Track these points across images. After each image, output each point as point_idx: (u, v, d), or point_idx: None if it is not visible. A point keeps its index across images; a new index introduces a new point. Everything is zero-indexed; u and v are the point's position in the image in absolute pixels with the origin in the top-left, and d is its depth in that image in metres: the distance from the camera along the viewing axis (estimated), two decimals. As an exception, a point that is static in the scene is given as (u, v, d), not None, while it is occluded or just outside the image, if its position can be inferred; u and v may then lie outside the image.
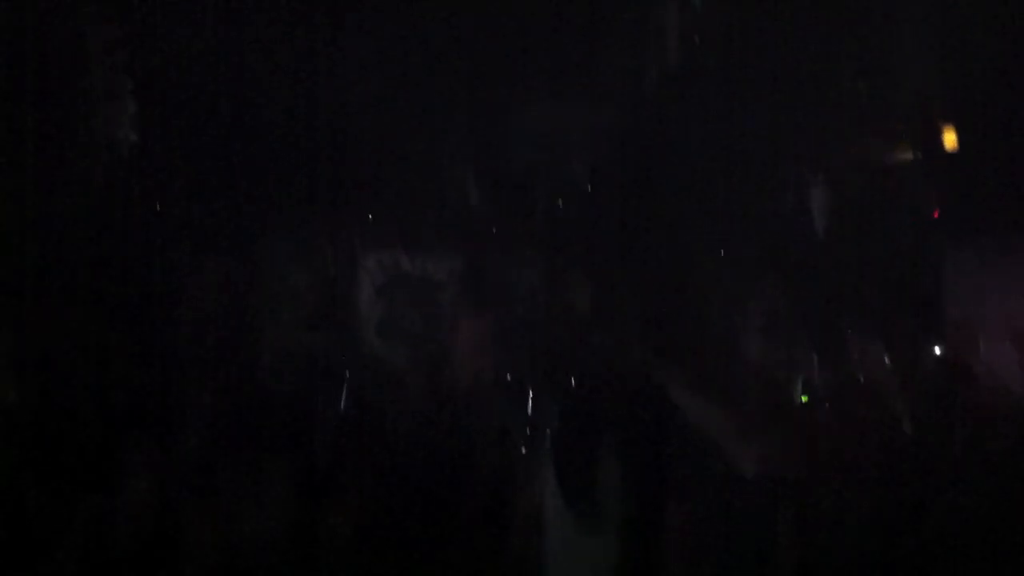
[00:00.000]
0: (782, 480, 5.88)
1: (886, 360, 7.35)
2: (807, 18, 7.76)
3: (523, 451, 6.44)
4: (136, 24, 6.40)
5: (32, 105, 6.32)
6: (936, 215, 8.19)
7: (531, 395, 7.10)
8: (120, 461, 6.20)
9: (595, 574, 6.03)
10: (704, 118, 8.05)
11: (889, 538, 5.93)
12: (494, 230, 8.36)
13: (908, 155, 8.35)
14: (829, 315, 7.95)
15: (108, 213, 6.83)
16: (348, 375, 7.04)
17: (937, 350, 7.78)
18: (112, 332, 6.72)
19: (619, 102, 8.35)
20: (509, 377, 7.35)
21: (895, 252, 8.11)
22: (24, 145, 6.28)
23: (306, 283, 7.84)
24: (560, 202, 8.52)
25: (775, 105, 8.03)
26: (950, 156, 8.03)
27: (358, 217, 8.15)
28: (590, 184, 8.54)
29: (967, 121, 8.01)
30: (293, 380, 7.07)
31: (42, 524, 5.78)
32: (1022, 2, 7.43)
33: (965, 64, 7.65)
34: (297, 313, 7.76)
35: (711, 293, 7.82)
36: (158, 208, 7.08)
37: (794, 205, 8.46)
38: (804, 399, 7.12)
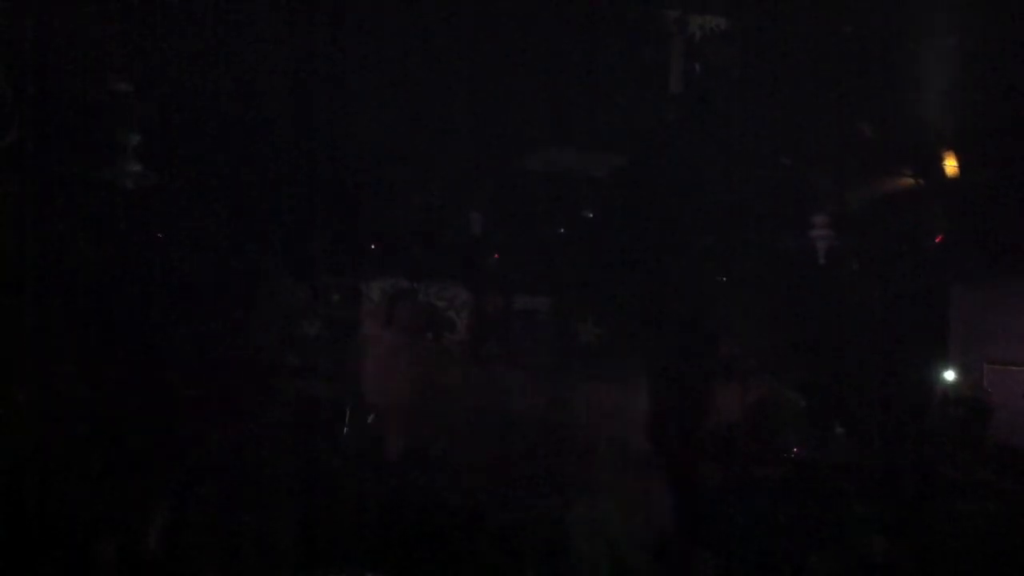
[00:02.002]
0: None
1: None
2: (810, 51, 7.77)
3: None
4: (136, 24, 6.40)
5: (32, 106, 6.33)
6: (939, 240, 8.20)
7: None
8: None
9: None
10: (707, 152, 8.06)
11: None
12: (496, 256, 8.39)
13: (912, 185, 8.36)
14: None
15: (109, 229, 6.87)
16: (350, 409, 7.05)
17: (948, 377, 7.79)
18: (113, 375, 6.75)
19: (624, 138, 8.37)
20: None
21: (901, 282, 8.12)
22: (24, 147, 6.28)
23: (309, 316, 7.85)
24: (562, 230, 8.55)
25: (778, 139, 8.06)
26: (953, 183, 8.04)
27: (362, 247, 8.17)
28: (591, 212, 8.57)
29: (970, 151, 8.03)
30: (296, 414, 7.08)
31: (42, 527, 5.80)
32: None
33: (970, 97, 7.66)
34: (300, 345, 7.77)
35: (713, 320, 7.84)
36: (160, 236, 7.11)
37: (798, 238, 8.47)
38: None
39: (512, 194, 8.58)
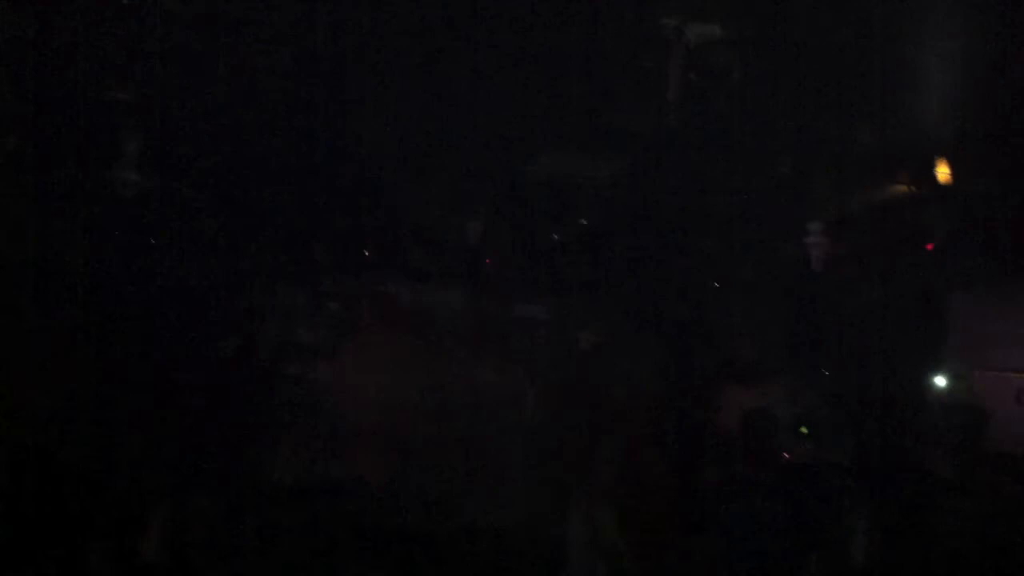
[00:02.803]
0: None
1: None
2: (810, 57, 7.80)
3: None
4: (136, 27, 6.44)
5: (33, 112, 6.36)
6: (930, 248, 8.20)
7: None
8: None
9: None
10: (705, 162, 8.09)
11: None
12: (489, 262, 8.39)
13: (910, 189, 8.38)
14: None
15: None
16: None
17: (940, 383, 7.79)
18: (113, 375, 6.76)
19: (625, 147, 8.39)
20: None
21: (898, 286, 8.12)
22: (25, 148, 6.31)
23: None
24: (557, 236, 8.57)
25: (777, 144, 8.08)
26: (951, 187, 8.05)
27: (362, 251, 8.18)
28: (591, 218, 8.59)
29: (969, 154, 8.04)
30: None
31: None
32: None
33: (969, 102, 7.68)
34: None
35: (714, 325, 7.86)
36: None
37: (797, 243, 8.49)
38: (804, 431, 7.13)
39: (512, 199, 8.60)
